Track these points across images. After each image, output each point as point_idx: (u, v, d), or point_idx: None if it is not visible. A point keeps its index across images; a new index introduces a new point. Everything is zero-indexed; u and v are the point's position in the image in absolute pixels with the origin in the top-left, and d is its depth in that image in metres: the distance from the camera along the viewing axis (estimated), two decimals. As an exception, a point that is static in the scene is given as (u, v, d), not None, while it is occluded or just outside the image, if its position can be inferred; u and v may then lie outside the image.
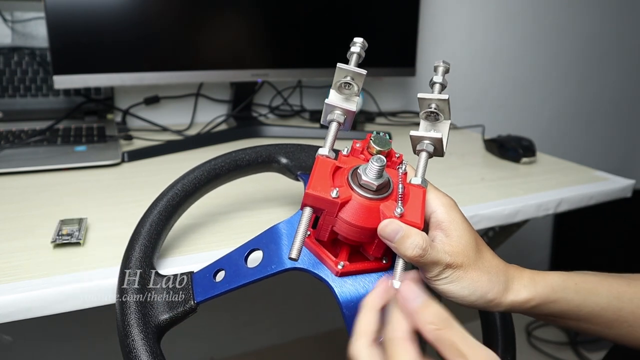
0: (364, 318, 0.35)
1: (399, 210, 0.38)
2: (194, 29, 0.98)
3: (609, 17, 1.76)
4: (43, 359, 1.18)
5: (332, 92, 0.44)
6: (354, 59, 0.44)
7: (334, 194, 0.38)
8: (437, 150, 0.43)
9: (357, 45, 0.44)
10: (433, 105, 0.42)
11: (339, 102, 0.44)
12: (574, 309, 0.42)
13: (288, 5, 1.05)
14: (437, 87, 0.44)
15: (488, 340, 0.51)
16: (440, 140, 0.42)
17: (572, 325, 0.44)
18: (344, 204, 0.39)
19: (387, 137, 0.43)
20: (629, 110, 1.98)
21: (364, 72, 0.43)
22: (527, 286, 0.40)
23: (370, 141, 0.43)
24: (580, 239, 1.93)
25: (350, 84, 0.43)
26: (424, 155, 0.43)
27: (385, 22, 1.15)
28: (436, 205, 0.41)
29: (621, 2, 1.77)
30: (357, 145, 0.44)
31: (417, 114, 1.32)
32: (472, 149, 1.06)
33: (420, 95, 0.42)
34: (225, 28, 1.01)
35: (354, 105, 0.44)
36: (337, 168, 0.41)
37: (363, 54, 0.44)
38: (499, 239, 1.04)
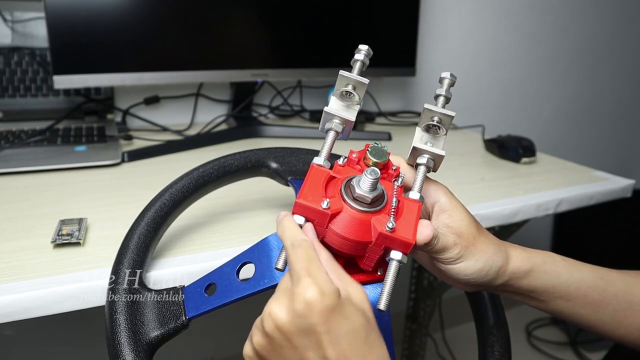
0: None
1: (390, 225, 0.37)
2: (194, 29, 0.98)
3: (609, 17, 1.76)
4: (42, 358, 1.18)
5: (333, 100, 0.43)
6: (357, 66, 0.43)
7: (324, 205, 0.37)
8: (435, 166, 0.43)
9: (362, 52, 0.43)
10: (436, 119, 0.42)
11: (339, 110, 0.43)
12: (564, 283, 0.45)
13: (288, 5, 1.05)
14: (441, 99, 0.43)
15: (482, 342, 0.50)
16: (442, 157, 0.42)
17: (563, 308, 0.46)
18: (334, 216, 0.38)
19: (386, 148, 0.42)
20: (628, 110, 1.98)
21: (366, 81, 0.42)
22: (521, 254, 0.45)
23: (367, 152, 0.42)
24: (580, 239, 1.93)
25: (351, 92, 0.42)
26: (422, 169, 0.42)
27: (386, 22, 1.15)
28: (439, 195, 0.44)
29: (621, 3, 1.77)
30: (354, 155, 0.43)
31: (417, 114, 1.32)
32: (472, 149, 1.06)
33: (427, 106, 0.42)
34: (225, 28, 1.01)
35: (353, 115, 0.43)
36: (331, 178, 0.41)
37: (367, 62, 0.43)
38: (499, 238, 1.04)
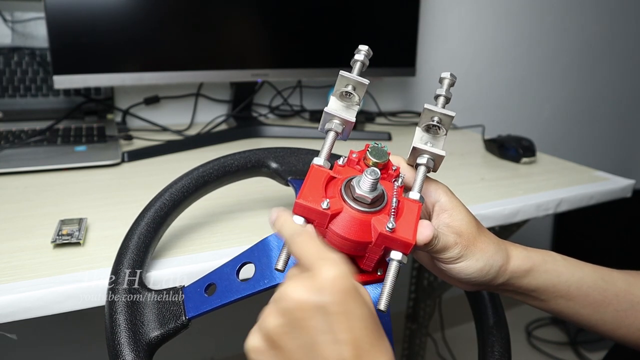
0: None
1: (390, 225, 0.37)
2: (194, 29, 0.98)
3: (609, 17, 1.76)
4: (42, 358, 1.18)
5: (333, 100, 0.43)
6: (357, 67, 0.43)
7: (324, 205, 0.37)
8: (435, 166, 0.43)
9: (362, 53, 0.43)
10: (436, 119, 0.42)
11: (339, 110, 0.43)
12: (564, 282, 0.45)
13: (288, 5, 1.05)
14: (441, 100, 0.43)
15: (482, 342, 0.50)
16: (442, 157, 0.42)
17: (563, 307, 0.46)
18: (334, 216, 0.38)
19: (385, 148, 0.42)
20: (628, 110, 1.98)
21: (366, 81, 0.42)
22: (522, 253, 0.45)
23: (367, 153, 0.42)
24: (580, 239, 1.93)
25: (351, 93, 0.42)
26: (422, 169, 0.42)
27: (385, 22, 1.15)
28: (439, 194, 0.44)
29: (621, 3, 1.77)
30: (354, 155, 0.43)
31: (417, 114, 1.32)
32: (472, 149, 1.06)
33: (427, 106, 0.42)
34: (225, 28, 1.01)
35: (353, 115, 0.43)
36: (332, 178, 0.41)
37: (367, 63, 0.43)
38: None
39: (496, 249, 0.43)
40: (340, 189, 0.39)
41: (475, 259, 0.42)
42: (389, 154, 0.42)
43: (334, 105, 0.43)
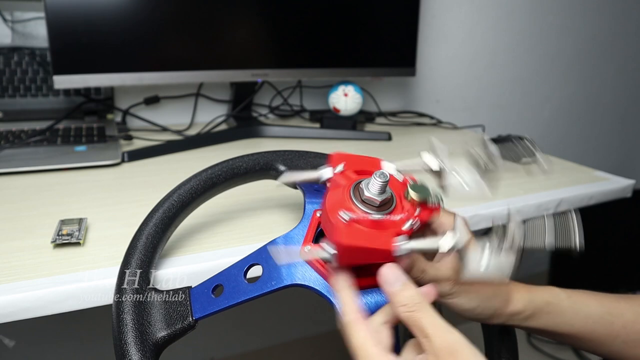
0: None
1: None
2: (194, 29, 0.98)
3: (609, 17, 1.76)
4: (42, 358, 1.18)
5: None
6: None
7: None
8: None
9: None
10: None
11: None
12: (568, 322, 0.45)
13: (288, 5, 1.05)
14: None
15: (488, 342, 0.50)
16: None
17: (569, 341, 0.46)
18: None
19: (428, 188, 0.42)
20: (628, 110, 1.98)
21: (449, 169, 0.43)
22: (524, 296, 0.44)
23: (410, 189, 0.41)
24: (580, 239, 1.92)
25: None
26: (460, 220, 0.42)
27: (385, 22, 1.15)
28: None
29: (622, 3, 1.77)
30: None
31: (417, 114, 1.32)
32: (472, 149, 1.06)
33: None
34: (225, 28, 1.01)
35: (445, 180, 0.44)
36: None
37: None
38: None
39: (494, 293, 0.43)
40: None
41: (469, 299, 0.43)
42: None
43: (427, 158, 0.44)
